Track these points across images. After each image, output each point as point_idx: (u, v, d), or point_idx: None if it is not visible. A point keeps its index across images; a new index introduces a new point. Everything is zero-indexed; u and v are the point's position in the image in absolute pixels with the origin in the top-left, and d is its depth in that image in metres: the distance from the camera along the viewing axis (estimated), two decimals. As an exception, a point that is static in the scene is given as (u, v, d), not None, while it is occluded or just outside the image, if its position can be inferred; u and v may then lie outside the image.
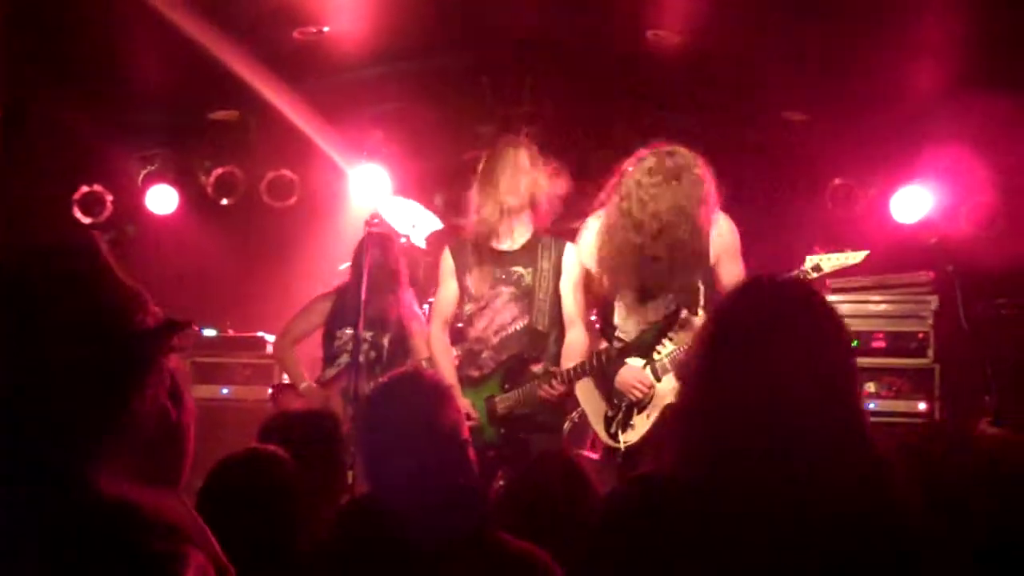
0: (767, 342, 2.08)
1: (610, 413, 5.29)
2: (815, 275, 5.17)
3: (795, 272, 5.12)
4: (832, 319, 2.15)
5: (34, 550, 1.54)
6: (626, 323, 5.27)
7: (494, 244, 5.44)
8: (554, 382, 5.15)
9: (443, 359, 5.52)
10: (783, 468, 1.98)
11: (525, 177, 5.38)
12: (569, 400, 5.59)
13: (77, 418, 1.59)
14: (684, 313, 5.12)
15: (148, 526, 1.57)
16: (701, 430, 2.07)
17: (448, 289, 5.56)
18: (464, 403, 5.11)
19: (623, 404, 5.23)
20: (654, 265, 5.06)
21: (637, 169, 5.12)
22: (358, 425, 3.06)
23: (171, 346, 1.70)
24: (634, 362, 5.21)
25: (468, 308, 5.50)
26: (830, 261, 5.22)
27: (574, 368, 5.16)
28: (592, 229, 5.34)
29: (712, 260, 5.19)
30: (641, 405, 5.18)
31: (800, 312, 2.14)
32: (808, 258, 5.22)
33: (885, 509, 2.01)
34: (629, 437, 5.18)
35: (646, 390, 5.15)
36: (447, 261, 5.58)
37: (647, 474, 2.20)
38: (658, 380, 5.17)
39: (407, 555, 2.65)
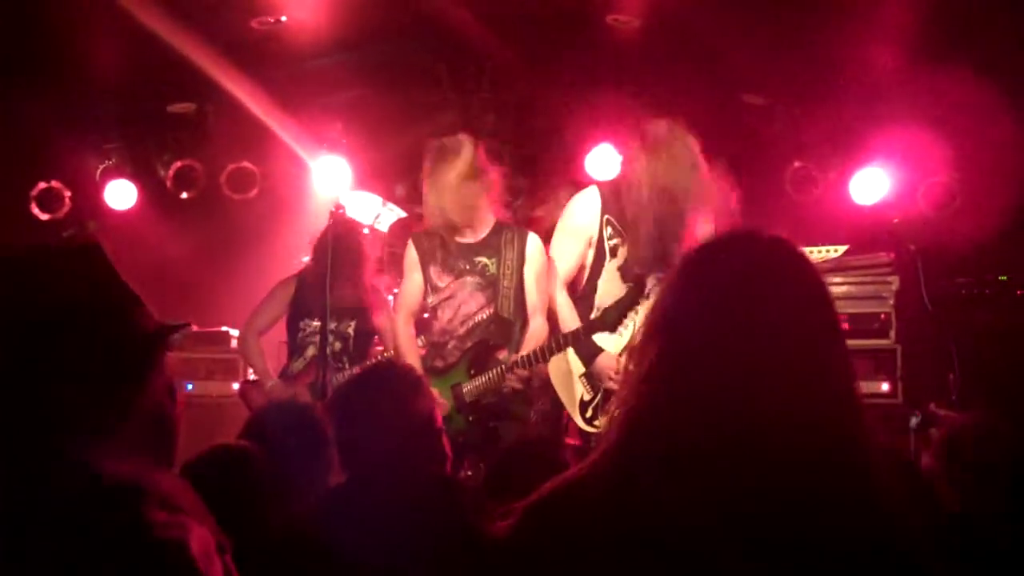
0: (745, 299, 1.71)
1: (587, 397, 5.30)
2: None
3: None
4: (822, 282, 1.77)
5: (44, 524, 1.65)
6: (606, 301, 5.30)
7: (457, 237, 5.42)
8: (516, 369, 5.16)
9: (409, 351, 5.51)
10: (752, 470, 1.61)
11: (469, 189, 5.33)
12: (535, 388, 5.60)
13: (87, 409, 1.73)
14: (651, 285, 5.14)
15: (152, 501, 1.69)
16: (649, 417, 1.69)
17: (412, 281, 5.55)
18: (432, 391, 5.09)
19: (601, 389, 5.25)
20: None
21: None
22: (333, 417, 3.06)
23: (168, 344, 1.86)
24: (610, 348, 5.23)
25: (432, 300, 5.49)
26: (812, 255, 5.24)
27: (534, 352, 5.15)
28: (590, 200, 5.33)
29: None
30: None
31: (786, 268, 1.75)
32: None
33: (885, 530, 1.64)
34: (606, 423, 5.17)
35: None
36: (411, 253, 5.56)
37: (565, 481, 1.75)
38: None
39: (384, 544, 2.65)
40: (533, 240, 5.42)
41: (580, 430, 5.39)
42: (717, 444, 1.62)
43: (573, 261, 5.40)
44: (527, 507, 1.72)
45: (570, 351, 5.34)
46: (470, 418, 5.34)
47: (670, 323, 1.74)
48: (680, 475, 1.61)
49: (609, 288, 5.32)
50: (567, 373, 5.37)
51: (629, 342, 5.20)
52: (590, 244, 5.37)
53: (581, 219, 5.37)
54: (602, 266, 5.34)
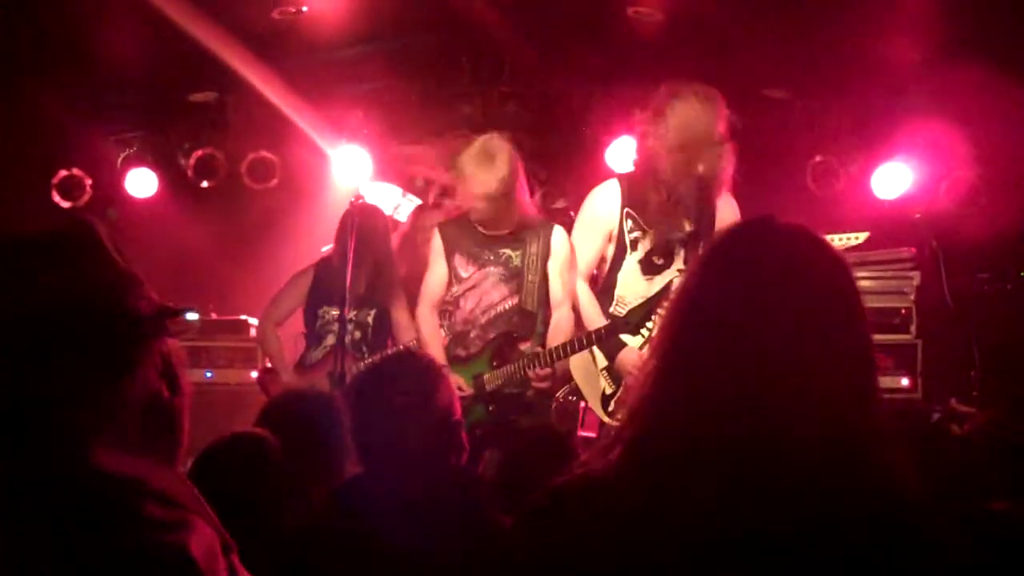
0: (767, 287, 1.66)
1: (609, 391, 5.30)
2: None
3: None
4: (850, 274, 1.71)
5: (37, 526, 1.57)
6: (627, 294, 5.28)
7: (483, 229, 5.43)
8: (538, 363, 5.16)
9: (432, 340, 5.52)
10: (769, 465, 1.57)
11: (509, 192, 5.32)
12: (556, 381, 5.60)
13: (71, 396, 1.63)
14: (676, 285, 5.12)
15: (150, 496, 1.61)
16: (667, 409, 1.65)
17: (437, 270, 5.56)
18: (456, 379, 5.14)
19: (623, 383, 5.24)
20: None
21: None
22: (350, 406, 3.02)
23: (165, 330, 1.73)
24: (632, 342, 5.22)
25: (456, 289, 5.50)
26: (833, 243, 5.18)
27: (559, 347, 5.16)
28: (610, 193, 5.32)
29: None
30: None
31: (809, 257, 1.70)
32: None
33: (902, 526, 1.60)
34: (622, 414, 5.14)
35: None
36: (436, 242, 5.57)
37: (580, 475, 1.70)
38: None
39: (400, 537, 2.64)
40: (559, 232, 5.42)
41: (599, 422, 5.38)
42: (734, 438, 1.58)
43: (593, 254, 5.38)
44: (541, 501, 1.69)
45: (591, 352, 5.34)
46: (490, 408, 5.35)
47: (690, 312, 1.70)
48: (697, 469, 1.58)
49: (630, 281, 5.31)
50: (590, 365, 5.36)
51: (650, 335, 5.19)
52: (610, 238, 5.35)
53: (601, 212, 5.34)
54: (623, 259, 5.32)
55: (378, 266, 6.12)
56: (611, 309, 5.30)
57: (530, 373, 5.17)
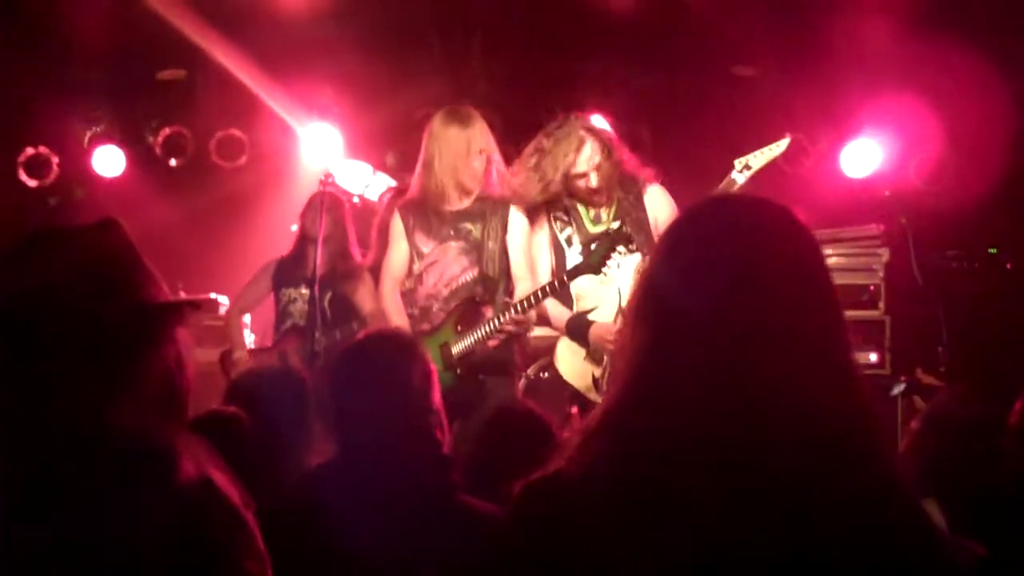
0: (734, 263, 1.62)
1: (597, 374, 5.31)
2: (747, 174, 5.20)
3: (728, 177, 5.21)
4: (819, 251, 1.68)
5: (85, 491, 1.78)
6: (582, 291, 5.36)
7: (443, 206, 5.43)
8: (510, 312, 5.13)
9: (396, 316, 5.53)
10: (752, 445, 1.55)
11: (479, 154, 5.33)
12: (520, 353, 5.62)
13: (101, 371, 1.84)
14: (621, 249, 5.15)
15: (184, 460, 1.83)
16: (643, 396, 1.62)
17: (399, 249, 5.56)
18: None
19: (607, 359, 5.26)
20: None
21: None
22: (328, 386, 3.00)
23: (183, 318, 1.98)
24: (598, 317, 5.24)
25: (417, 266, 5.50)
26: (757, 158, 5.25)
27: (529, 296, 5.14)
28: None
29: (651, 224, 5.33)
30: None
31: (782, 237, 1.66)
32: (736, 160, 5.25)
33: (889, 506, 1.58)
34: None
35: None
36: (396, 223, 5.57)
37: (551, 476, 1.66)
38: None
39: (372, 519, 2.63)
40: (515, 212, 5.42)
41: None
42: (714, 420, 1.55)
43: (545, 268, 5.45)
44: (524, 491, 1.67)
45: (567, 340, 5.39)
46: (458, 371, 5.32)
47: (658, 293, 1.66)
48: (678, 454, 1.55)
49: (580, 277, 5.33)
50: (574, 358, 5.39)
51: (622, 304, 5.23)
52: (550, 246, 5.46)
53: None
54: (564, 259, 5.39)
55: (339, 251, 6.25)
56: (575, 309, 5.34)
57: (501, 320, 5.15)
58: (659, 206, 5.40)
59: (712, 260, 1.63)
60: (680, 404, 1.58)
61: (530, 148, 5.42)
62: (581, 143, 5.27)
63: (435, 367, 5.16)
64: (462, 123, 5.33)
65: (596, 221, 5.42)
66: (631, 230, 5.22)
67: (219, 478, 1.87)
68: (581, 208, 5.42)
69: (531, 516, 1.64)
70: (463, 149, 5.30)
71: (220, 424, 3.15)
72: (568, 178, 5.30)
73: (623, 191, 5.39)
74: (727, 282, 1.60)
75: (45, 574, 1.77)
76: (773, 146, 5.30)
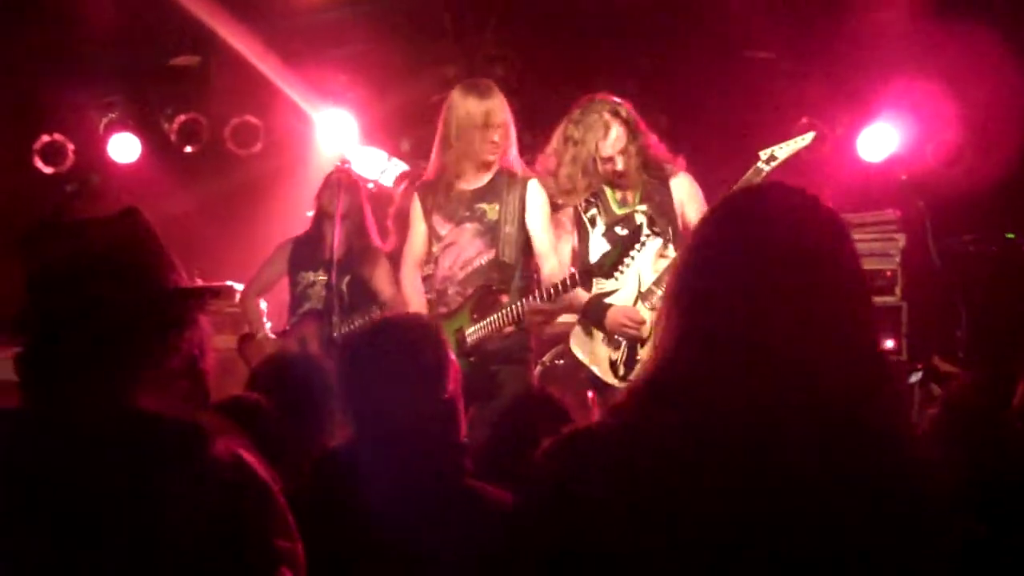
0: (772, 249, 1.69)
1: (615, 357, 5.30)
2: (772, 165, 5.22)
3: (754, 167, 5.24)
4: (847, 237, 1.76)
5: (94, 455, 1.84)
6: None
7: (459, 184, 5.41)
8: (534, 298, 5.11)
9: (415, 299, 5.55)
10: (779, 428, 1.60)
11: (498, 126, 5.31)
12: (536, 340, 5.61)
13: (127, 357, 1.93)
14: (646, 232, 5.13)
15: (214, 440, 1.89)
16: (673, 374, 1.68)
17: (418, 231, 5.56)
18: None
19: (624, 343, 5.25)
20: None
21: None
22: (342, 372, 2.98)
23: (206, 305, 2.05)
24: (617, 300, 5.23)
25: (435, 248, 5.49)
26: (783, 149, 5.29)
27: (557, 284, 5.11)
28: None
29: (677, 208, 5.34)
30: (643, 340, 5.19)
31: (813, 220, 1.73)
32: (761, 152, 5.28)
33: (916, 486, 1.64)
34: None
35: (638, 326, 5.16)
36: (415, 205, 5.56)
37: (570, 436, 1.73)
38: (652, 310, 5.18)
39: (385, 503, 2.62)
40: (534, 186, 5.39)
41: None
42: (744, 403, 1.61)
43: (566, 248, 5.44)
44: (547, 448, 1.71)
45: (583, 323, 5.39)
46: (471, 359, 5.29)
47: (694, 278, 1.73)
48: (703, 432, 1.60)
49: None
50: (592, 342, 5.38)
51: (642, 289, 5.24)
52: (573, 225, 5.44)
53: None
54: (588, 240, 5.37)
55: (356, 231, 6.18)
56: (593, 289, 5.32)
57: (526, 307, 5.14)
58: (686, 193, 5.40)
59: (750, 242, 1.70)
60: (706, 380, 1.63)
61: (560, 139, 5.41)
62: (607, 128, 5.28)
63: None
64: (481, 95, 5.31)
65: (622, 204, 5.41)
66: (654, 214, 5.25)
67: (249, 457, 1.92)
68: (608, 189, 5.41)
69: (553, 469, 1.68)
70: (481, 121, 5.27)
71: (243, 411, 3.14)
72: (595, 162, 5.31)
73: (649, 175, 5.38)
74: (763, 263, 1.68)
75: (76, 559, 1.79)
76: (799, 139, 5.35)
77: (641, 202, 5.36)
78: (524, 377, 5.38)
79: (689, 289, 1.73)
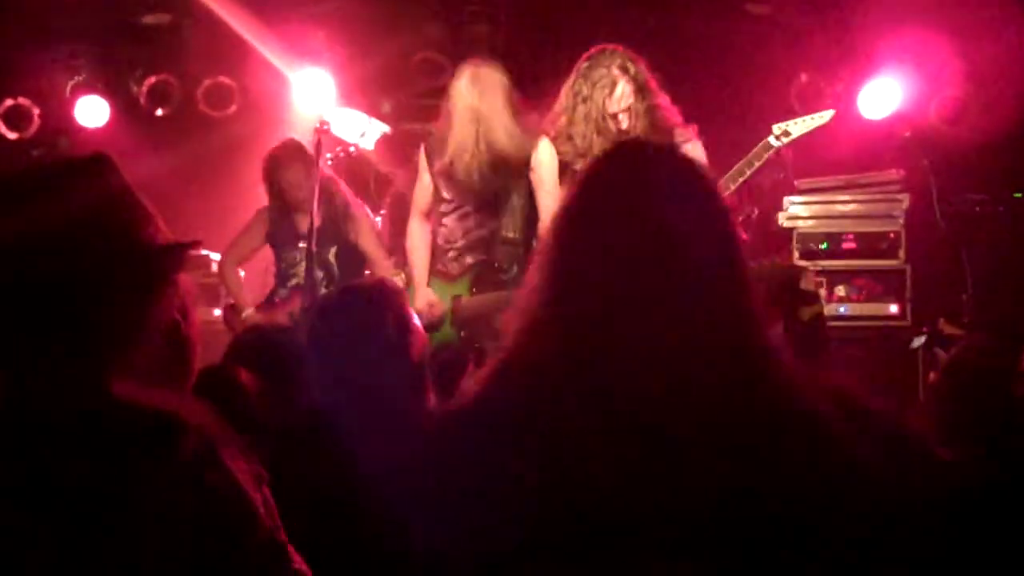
0: (627, 214, 1.67)
1: None
2: (783, 142, 5.23)
3: (764, 141, 5.26)
4: (715, 195, 1.74)
5: (64, 451, 1.64)
6: None
7: (468, 156, 5.30)
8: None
9: (417, 251, 5.54)
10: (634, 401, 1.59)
11: (512, 115, 5.27)
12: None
13: (99, 327, 1.71)
14: None
15: (191, 435, 1.68)
16: (532, 345, 1.69)
17: (423, 182, 5.54)
18: (431, 294, 5.34)
19: None
20: None
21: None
22: (308, 340, 3.09)
23: (184, 263, 1.83)
24: None
25: (443, 207, 5.48)
26: (798, 125, 5.31)
27: None
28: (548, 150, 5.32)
29: None
30: None
31: (674, 182, 1.70)
32: (775, 126, 5.28)
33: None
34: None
35: None
36: (422, 157, 5.53)
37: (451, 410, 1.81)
38: None
39: (352, 473, 2.61)
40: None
41: None
42: (590, 388, 1.59)
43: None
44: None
45: None
46: (461, 333, 5.38)
47: (556, 241, 1.72)
48: (557, 390, 1.60)
49: None
50: None
51: None
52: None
53: (553, 169, 5.29)
54: None
55: (330, 202, 6.05)
56: None
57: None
58: None
59: (606, 205, 1.69)
60: (558, 365, 1.63)
61: (568, 95, 5.28)
62: (614, 84, 5.15)
63: (443, 309, 5.21)
64: (492, 87, 5.26)
65: None
66: None
67: (226, 453, 1.73)
68: None
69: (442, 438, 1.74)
70: (498, 113, 5.23)
71: (222, 382, 3.12)
72: (605, 120, 5.20)
73: (657, 136, 5.15)
74: (619, 229, 1.65)
75: (47, 562, 1.63)
76: (816, 116, 5.37)
77: None
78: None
79: (551, 267, 1.70)
